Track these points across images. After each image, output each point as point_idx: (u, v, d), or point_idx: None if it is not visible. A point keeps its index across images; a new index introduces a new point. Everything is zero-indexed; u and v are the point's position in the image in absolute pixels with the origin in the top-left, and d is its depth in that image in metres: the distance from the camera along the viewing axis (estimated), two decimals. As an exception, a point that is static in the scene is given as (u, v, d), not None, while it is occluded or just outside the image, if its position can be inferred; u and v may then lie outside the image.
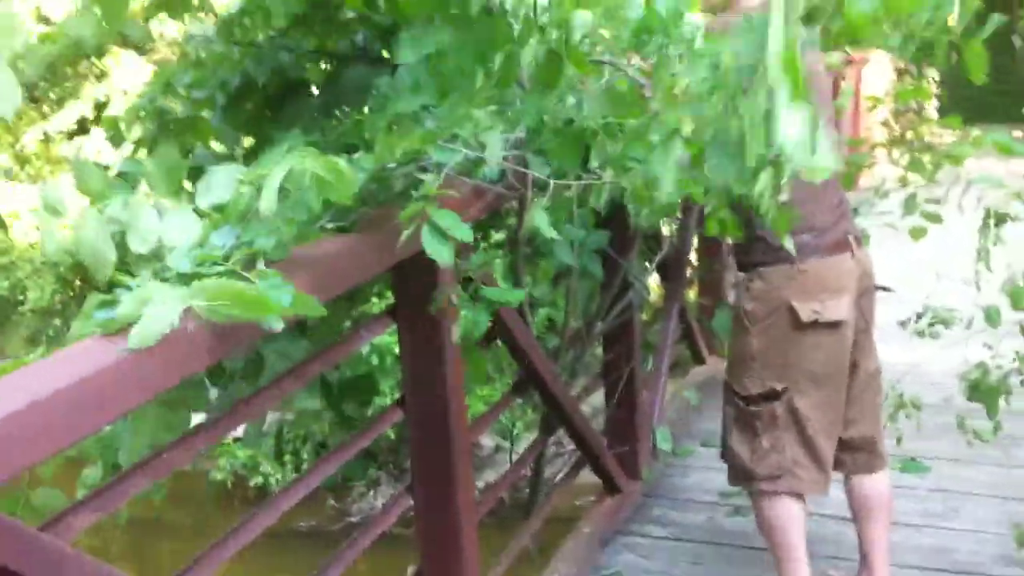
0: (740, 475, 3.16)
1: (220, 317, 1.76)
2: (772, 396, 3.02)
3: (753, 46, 1.67)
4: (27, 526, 1.62)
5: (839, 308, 2.95)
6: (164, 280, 1.86)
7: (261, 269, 1.89)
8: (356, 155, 2.32)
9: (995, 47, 2.01)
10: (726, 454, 3.20)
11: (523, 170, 2.29)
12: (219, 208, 2.15)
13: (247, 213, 2.06)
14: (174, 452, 2.06)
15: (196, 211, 2.35)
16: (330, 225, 2.22)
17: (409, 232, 2.07)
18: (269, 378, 2.78)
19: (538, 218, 2.14)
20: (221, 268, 1.88)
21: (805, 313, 2.93)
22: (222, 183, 2.42)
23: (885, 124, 8.07)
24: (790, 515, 3.09)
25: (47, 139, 13.37)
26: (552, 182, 2.22)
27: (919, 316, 3.95)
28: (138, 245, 2.33)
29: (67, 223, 2.37)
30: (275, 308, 1.80)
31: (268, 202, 1.97)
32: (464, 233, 2.07)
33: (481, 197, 2.34)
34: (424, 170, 2.29)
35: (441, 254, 2.06)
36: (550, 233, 2.16)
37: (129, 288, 1.81)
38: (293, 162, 1.99)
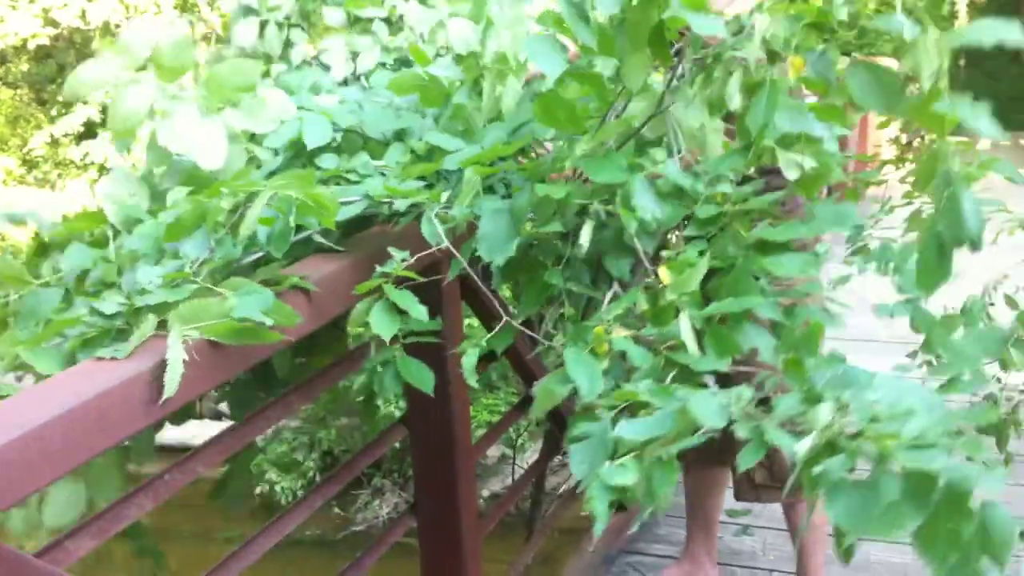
0: None
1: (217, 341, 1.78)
2: None
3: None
4: (22, 552, 1.61)
5: None
6: (138, 305, 1.87)
7: (238, 281, 1.87)
8: (362, 184, 2.30)
9: (1009, 54, 1.99)
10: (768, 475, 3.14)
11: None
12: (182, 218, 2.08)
13: (224, 225, 2.04)
14: (174, 474, 2.04)
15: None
16: (318, 238, 2.19)
17: (364, 307, 2.04)
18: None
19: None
20: (194, 286, 1.87)
21: None
22: (272, 110, 2.45)
23: (894, 141, 7.99)
24: None
25: (54, 142, 13.38)
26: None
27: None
28: (167, 139, 2.31)
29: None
30: (267, 336, 1.81)
31: (248, 228, 1.96)
32: (419, 312, 2.01)
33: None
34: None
35: (387, 331, 2.00)
36: None
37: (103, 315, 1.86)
38: (276, 188, 1.97)
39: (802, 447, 1.47)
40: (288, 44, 5.12)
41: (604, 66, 2.11)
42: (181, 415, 2.60)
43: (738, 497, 3.23)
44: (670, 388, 1.69)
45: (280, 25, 4.56)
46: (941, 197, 1.86)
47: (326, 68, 4.20)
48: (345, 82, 4.43)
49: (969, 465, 1.38)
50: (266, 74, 4.44)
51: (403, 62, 3.92)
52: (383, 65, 4.62)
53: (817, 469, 1.43)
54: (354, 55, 5.15)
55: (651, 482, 1.60)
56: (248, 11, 4.45)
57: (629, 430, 1.62)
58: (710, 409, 1.57)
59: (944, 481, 1.34)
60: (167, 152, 2.32)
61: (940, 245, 1.87)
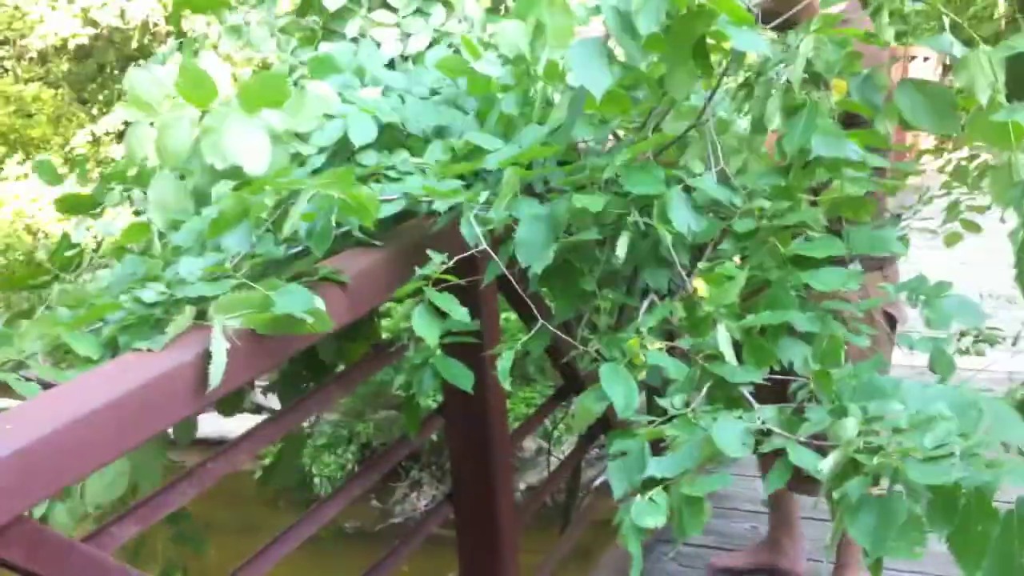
0: None
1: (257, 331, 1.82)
2: None
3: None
4: (68, 537, 1.65)
5: None
6: (177, 296, 1.92)
7: (276, 281, 1.90)
8: (402, 182, 2.33)
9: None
10: None
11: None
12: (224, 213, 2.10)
13: (266, 221, 2.08)
14: (218, 462, 2.09)
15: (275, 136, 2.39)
16: (357, 233, 2.22)
17: (405, 309, 2.06)
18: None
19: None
20: (234, 282, 1.90)
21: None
22: (314, 108, 2.47)
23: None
24: None
25: (96, 140, 13.48)
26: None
27: (962, 335, 3.87)
28: (212, 155, 2.33)
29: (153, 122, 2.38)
30: (305, 327, 1.84)
31: (291, 226, 2.00)
32: (461, 314, 2.03)
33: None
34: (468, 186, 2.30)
35: (429, 334, 2.01)
36: None
37: (143, 303, 1.92)
38: (318, 187, 2.01)
39: (825, 465, 1.49)
40: (346, 10, 5.19)
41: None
42: (231, 406, 2.66)
43: (791, 488, 3.24)
44: (694, 419, 1.72)
45: None
46: (1021, 205, 1.86)
47: (377, 44, 4.22)
48: (392, 63, 4.45)
49: (994, 465, 1.39)
50: (314, 42, 4.45)
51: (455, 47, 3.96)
52: (433, 43, 4.66)
53: (837, 493, 1.45)
54: (405, 36, 5.19)
55: (681, 519, 1.63)
56: None
57: (659, 467, 1.66)
58: (733, 438, 1.60)
59: (966, 489, 1.35)
60: (213, 168, 2.36)
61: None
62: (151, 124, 2.44)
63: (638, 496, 1.65)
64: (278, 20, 5.60)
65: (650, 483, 1.67)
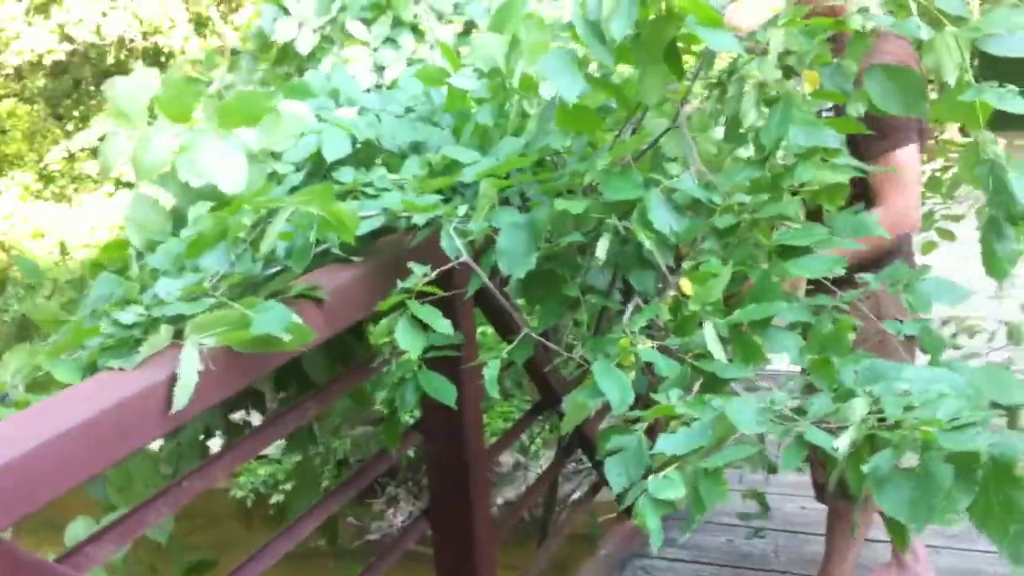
0: None
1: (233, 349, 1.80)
2: None
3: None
4: (43, 559, 1.63)
5: None
6: (155, 316, 1.90)
7: (254, 299, 1.89)
8: (380, 198, 2.33)
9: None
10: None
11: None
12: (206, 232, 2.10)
13: (245, 240, 2.07)
14: (193, 480, 2.07)
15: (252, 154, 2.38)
16: (336, 250, 2.22)
17: (388, 322, 2.06)
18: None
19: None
20: (212, 301, 1.89)
21: None
22: (290, 127, 2.47)
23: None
24: None
25: (71, 157, 13.43)
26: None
27: (944, 323, 3.90)
28: (188, 174, 2.32)
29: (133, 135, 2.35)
30: (281, 345, 1.83)
31: (268, 244, 1.99)
32: (444, 327, 2.03)
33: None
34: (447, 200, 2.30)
35: (413, 346, 2.02)
36: None
37: (122, 325, 1.90)
38: (297, 204, 2.00)
39: (842, 443, 1.48)
40: (319, 50, 5.25)
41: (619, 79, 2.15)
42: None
43: (818, 500, 3.30)
44: (703, 398, 1.71)
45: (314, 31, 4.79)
46: (987, 182, 1.88)
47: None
48: (367, 88, 4.50)
49: (1010, 435, 1.40)
50: (289, 75, 4.50)
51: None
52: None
53: (866, 467, 1.44)
54: (380, 68, 5.25)
55: (698, 492, 1.61)
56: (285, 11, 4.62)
57: (669, 444, 1.64)
58: (748, 415, 1.59)
59: (988, 456, 1.34)
60: (188, 185, 2.35)
61: (997, 228, 1.88)
62: (128, 137, 2.43)
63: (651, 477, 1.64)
64: (255, 75, 5.66)
65: (656, 465, 1.67)
